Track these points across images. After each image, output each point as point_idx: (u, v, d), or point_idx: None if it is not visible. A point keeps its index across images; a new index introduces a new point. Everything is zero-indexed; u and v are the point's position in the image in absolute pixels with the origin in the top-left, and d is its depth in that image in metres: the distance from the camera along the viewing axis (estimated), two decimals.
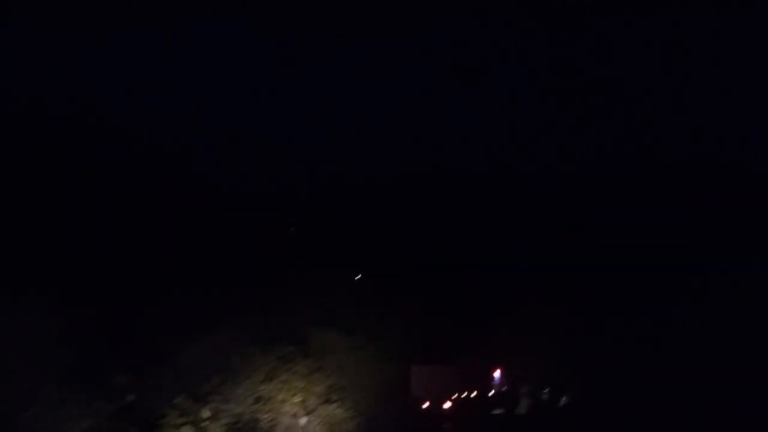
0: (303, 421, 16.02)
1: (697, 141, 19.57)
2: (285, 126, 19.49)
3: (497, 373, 19.49)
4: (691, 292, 17.80)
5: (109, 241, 16.08)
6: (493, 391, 19.41)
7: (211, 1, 18.13)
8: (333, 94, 19.88)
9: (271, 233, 18.89)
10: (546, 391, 19.05)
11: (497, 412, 18.95)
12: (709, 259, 18.03)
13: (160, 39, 18.01)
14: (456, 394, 19.03)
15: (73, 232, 15.81)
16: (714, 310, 17.05)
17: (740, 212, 19.10)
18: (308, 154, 19.79)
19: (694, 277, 17.93)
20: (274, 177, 19.39)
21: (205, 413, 14.84)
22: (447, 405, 18.73)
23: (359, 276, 19.75)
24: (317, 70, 19.68)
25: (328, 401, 16.67)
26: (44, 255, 15.01)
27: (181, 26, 18.02)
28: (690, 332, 17.13)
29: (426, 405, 18.58)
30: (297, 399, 16.19)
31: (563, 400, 18.70)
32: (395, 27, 19.06)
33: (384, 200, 20.20)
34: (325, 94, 19.82)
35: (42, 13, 17.43)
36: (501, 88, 19.88)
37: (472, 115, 20.31)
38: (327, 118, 19.77)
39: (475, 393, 19.28)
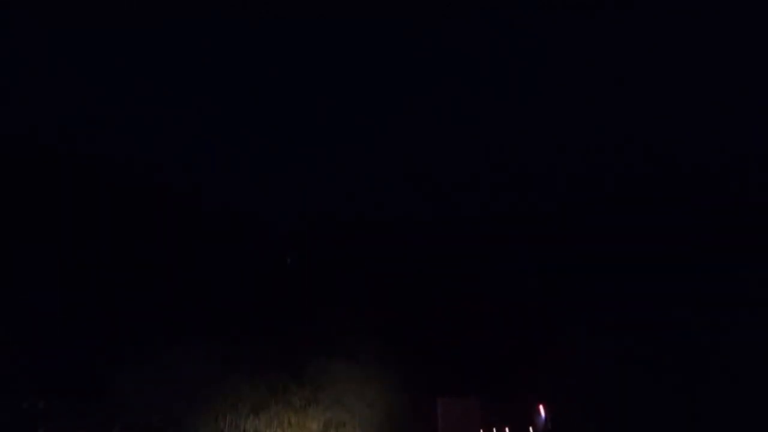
0: None
1: (698, 142, 19.55)
2: (285, 145, 19.22)
3: (541, 410, 16.41)
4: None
5: (76, 240, 15.26)
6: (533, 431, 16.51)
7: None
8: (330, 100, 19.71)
9: (264, 249, 17.32)
10: None
11: None
12: None
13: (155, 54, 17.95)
14: None
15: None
16: None
17: (740, 212, 19.09)
18: (308, 175, 19.30)
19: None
20: (267, 194, 18.54)
21: None
22: None
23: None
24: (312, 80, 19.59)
25: None
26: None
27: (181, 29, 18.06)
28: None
29: None
30: None
31: None
32: (392, 29, 19.17)
33: (389, 208, 19.07)
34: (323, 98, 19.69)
35: (42, 13, 17.48)
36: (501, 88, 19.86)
37: (474, 124, 20.13)
38: (325, 140, 19.47)
39: None
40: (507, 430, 16.02)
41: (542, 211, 19.71)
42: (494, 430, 16.12)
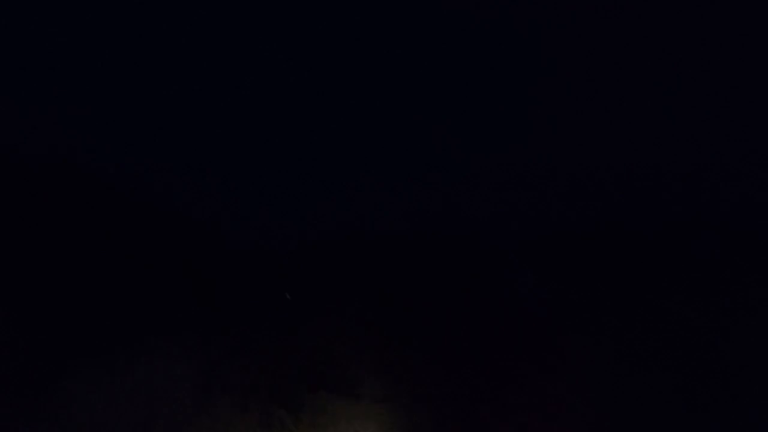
0: None
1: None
2: (281, 172, 18.93)
3: None
4: None
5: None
6: None
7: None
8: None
9: (259, 268, 16.18)
10: None
11: None
12: None
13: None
14: None
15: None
16: None
17: (740, 213, 19.13)
18: (305, 188, 18.84)
19: None
20: (266, 205, 17.73)
21: None
22: None
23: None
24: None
25: None
26: None
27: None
28: None
29: None
30: None
31: None
32: (392, 29, 19.12)
33: (393, 224, 18.07)
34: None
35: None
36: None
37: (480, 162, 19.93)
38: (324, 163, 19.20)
39: None
40: None
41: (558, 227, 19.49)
42: None
